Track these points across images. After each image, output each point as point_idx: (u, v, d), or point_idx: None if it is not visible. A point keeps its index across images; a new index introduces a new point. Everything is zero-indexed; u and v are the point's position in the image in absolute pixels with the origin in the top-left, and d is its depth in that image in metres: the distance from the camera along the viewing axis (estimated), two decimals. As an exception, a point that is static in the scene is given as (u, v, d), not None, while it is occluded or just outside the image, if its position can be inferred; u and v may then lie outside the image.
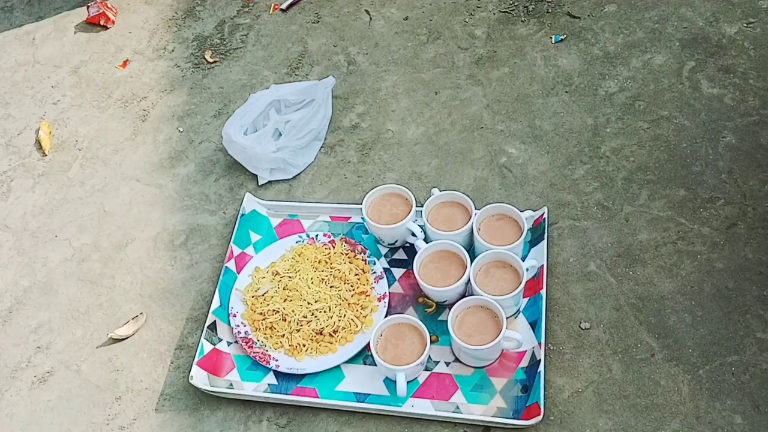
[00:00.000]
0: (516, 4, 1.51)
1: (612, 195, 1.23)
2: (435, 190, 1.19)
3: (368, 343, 1.08)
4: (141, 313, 1.20)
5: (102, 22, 1.61)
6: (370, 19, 1.54)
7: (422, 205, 1.17)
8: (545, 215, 1.18)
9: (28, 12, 1.69)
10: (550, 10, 1.49)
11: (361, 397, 1.06)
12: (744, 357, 1.04)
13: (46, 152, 1.43)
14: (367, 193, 1.19)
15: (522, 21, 1.48)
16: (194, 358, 1.11)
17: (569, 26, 1.46)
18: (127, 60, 1.56)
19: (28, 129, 1.49)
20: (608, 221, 1.20)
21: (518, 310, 1.11)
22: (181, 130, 1.43)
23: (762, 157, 1.23)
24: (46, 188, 1.40)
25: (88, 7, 1.63)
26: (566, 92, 1.37)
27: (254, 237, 1.24)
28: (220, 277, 1.19)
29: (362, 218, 1.21)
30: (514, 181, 1.27)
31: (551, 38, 1.45)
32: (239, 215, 1.26)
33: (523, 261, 1.09)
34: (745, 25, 1.40)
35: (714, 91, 1.33)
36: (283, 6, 1.58)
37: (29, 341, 1.21)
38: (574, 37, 1.44)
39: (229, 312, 1.16)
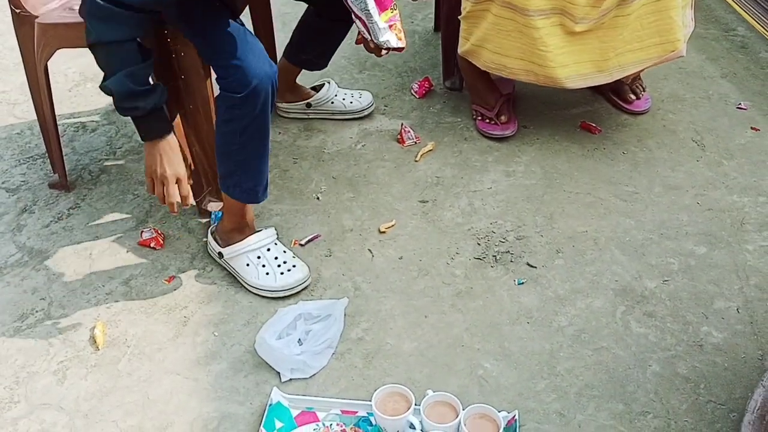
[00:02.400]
0: (486, 253, 1.93)
1: (567, 405, 1.55)
2: (429, 392, 1.50)
3: None
4: (179, 484, 1.42)
5: (152, 245, 1.97)
6: (372, 256, 1.94)
7: (419, 404, 1.47)
8: (516, 417, 1.48)
9: (86, 232, 2.05)
10: (513, 260, 1.91)
11: None
12: None
13: (100, 347, 1.70)
14: (375, 391, 1.49)
15: (491, 266, 1.90)
16: None
17: (528, 273, 1.87)
18: (172, 276, 1.89)
19: (84, 327, 1.77)
20: (565, 426, 1.51)
21: (495, 493, 1.38)
22: (216, 334, 1.74)
23: (679, 383, 1.59)
24: (97, 377, 1.65)
25: (142, 231, 1.99)
26: (528, 323, 1.74)
27: (278, 424, 1.50)
28: (252, 455, 1.43)
29: (368, 412, 1.49)
30: (490, 389, 1.58)
31: (515, 281, 1.85)
32: (267, 405, 1.52)
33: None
34: (661, 282, 1.83)
35: (641, 330, 1.71)
36: (302, 242, 1.98)
37: (78, 505, 1.41)
38: (533, 282, 1.85)
39: (258, 484, 1.39)
